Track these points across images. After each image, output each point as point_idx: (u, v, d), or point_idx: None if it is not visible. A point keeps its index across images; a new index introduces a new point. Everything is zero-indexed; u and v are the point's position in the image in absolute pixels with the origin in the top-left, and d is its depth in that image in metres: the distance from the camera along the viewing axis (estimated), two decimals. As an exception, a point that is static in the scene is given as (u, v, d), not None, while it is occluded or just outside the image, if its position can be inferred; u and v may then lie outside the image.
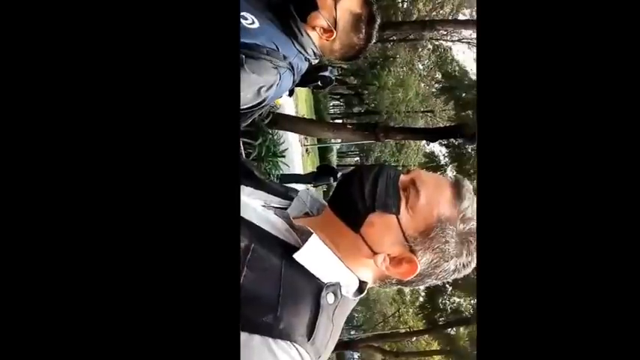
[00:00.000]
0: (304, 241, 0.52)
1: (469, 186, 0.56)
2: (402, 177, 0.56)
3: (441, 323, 13.55)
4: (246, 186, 0.60)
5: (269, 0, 0.93)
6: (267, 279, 0.49)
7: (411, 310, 18.14)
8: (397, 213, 0.53)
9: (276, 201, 0.61)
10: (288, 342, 0.47)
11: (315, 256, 0.52)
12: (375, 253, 0.54)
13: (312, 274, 0.52)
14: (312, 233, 0.52)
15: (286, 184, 0.70)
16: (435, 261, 0.54)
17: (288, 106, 8.26)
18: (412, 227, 0.53)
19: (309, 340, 0.48)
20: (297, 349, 0.47)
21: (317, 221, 0.57)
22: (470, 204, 0.55)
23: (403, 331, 15.99)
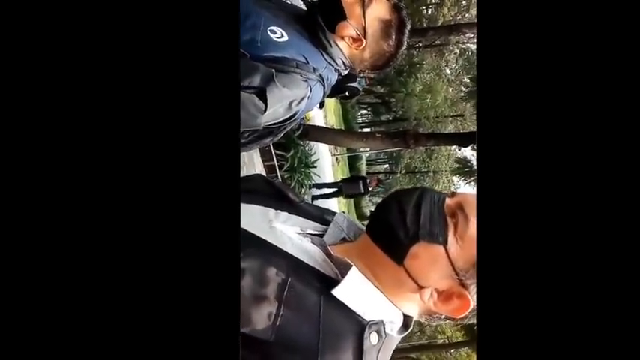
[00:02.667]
0: (343, 274, 0.48)
1: None
2: (448, 201, 0.50)
3: (481, 335, 13.02)
4: (281, 211, 0.56)
5: (298, 12, 0.93)
6: (306, 319, 0.45)
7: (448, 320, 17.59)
8: (445, 243, 0.47)
9: (312, 227, 0.56)
10: None
11: (356, 290, 0.48)
12: (420, 287, 0.49)
13: (353, 311, 0.47)
14: (351, 266, 0.48)
15: (319, 198, 0.68)
16: None
17: (317, 117, 8.32)
18: (462, 259, 0.47)
19: None
20: None
21: (355, 249, 0.52)
22: None
23: (441, 341, 15.50)
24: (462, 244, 0.47)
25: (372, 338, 0.47)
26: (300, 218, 0.57)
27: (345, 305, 0.47)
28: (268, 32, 0.83)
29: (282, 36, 0.84)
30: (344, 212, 0.60)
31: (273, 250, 0.49)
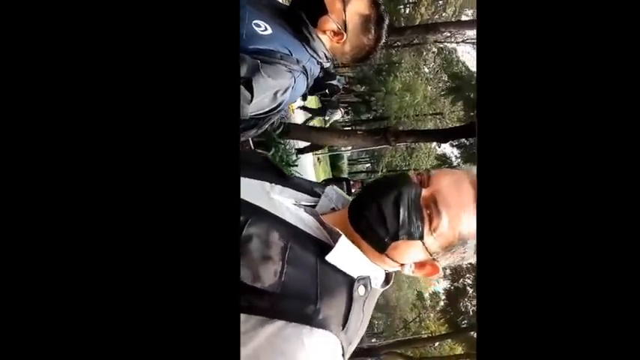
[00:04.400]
0: (335, 240, 0.55)
1: None
2: (424, 192, 0.55)
3: (464, 326, 13.28)
4: (276, 184, 0.62)
5: (280, 7, 0.97)
6: (305, 275, 0.52)
7: (432, 315, 17.84)
8: (421, 238, 0.54)
9: (304, 199, 0.63)
10: (326, 331, 0.51)
11: (345, 256, 0.55)
12: (401, 264, 0.58)
13: (344, 271, 0.55)
14: (340, 235, 0.55)
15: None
16: (456, 261, 0.58)
17: (298, 115, 8.31)
18: (436, 245, 0.55)
19: (343, 329, 0.52)
20: (333, 337, 0.51)
21: (344, 218, 0.58)
22: None
23: (425, 336, 15.70)
24: (436, 235, 0.55)
25: (360, 290, 0.55)
26: (293, 191, 0.63)
27: (336, 267, 0.55)
28: (253, 25, 0.86)
29: (266, 29, 0.87)
30: (331, 184, 0.67)
31: (274, 218, 0.56)
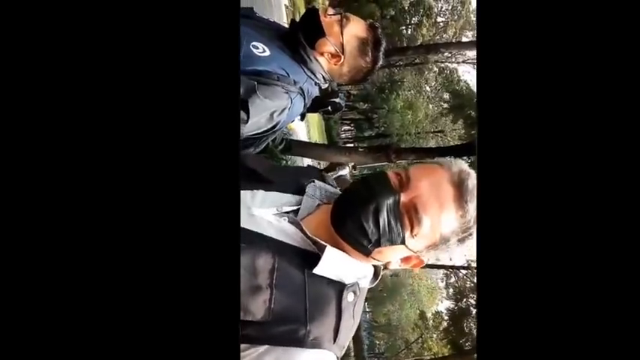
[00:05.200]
0: (321, 249, 0.55)
1: (472, 182, 0.55)
2: (403, 198, 0.54)
3: (467, 348, 13.03)
4: (257, 190, 0.60)
5: (279, 29, 0.98)
6: (294, 295, 0.52)
7: (434, 336, 17.53)
8: (403, 243, 0.55)
9: (288, 202, 0.61)
10: (319, 349, 0.52)
11: (333, 265, 0.55)
12: (387, 262, 0.60)
13: (332, 279, 0.55)
14: (325, 246, 0.55)
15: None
16: (440, 254, 0.59)
17: (301, 132, 8.37)
18: (418, 247, 0.57)
19: (334, 342, 0.54)
20: (326, 353, 0.53)
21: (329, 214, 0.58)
22: (473, 206, 0.55)
23: (428, 357, 15.40)
24: (418, 238, 0.55)
25: (349, 297, 0.56)
26: (277, 194, 0.62)
27: (325, 277, 0.55)
28: (251, 47, 0.87)
29: (264, 51, 0.89)
30: (313, 181, 0.65)
31: (257, 238, 0.55)
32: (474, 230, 0.56)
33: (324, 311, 0.53)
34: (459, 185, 0.55)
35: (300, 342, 0.50)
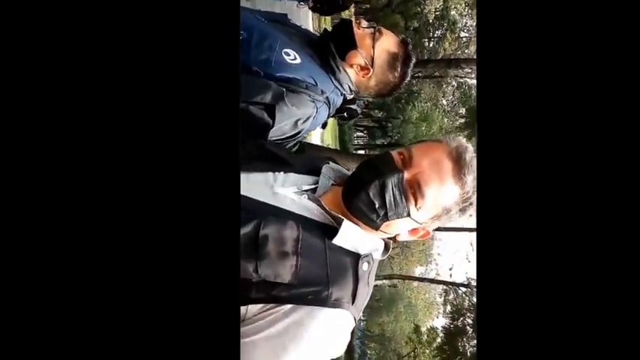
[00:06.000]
0: (339, 223, 0.61)
1: (470, 155, 0.61)
2: (406, 175, 0.60)
3: (459, 368, 12.88)
4: (279, 172, 0.66)
5: (311, 37, 0.99)
6: (316, 262, 0.58)
7: (427, 351, 17.35)
8: (409, 215, 0.61)
9: (306, 182, 0.67)
10: (340, 309, 0.58)
11: (349, 236, 0.61)
12: (395, 235, 0.66)
13: (349, 250, 0.61)
14: (342, 219, 0.61)
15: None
16: (444, 223, 0.65)
17: (314, 135, 8.39)
18: (423, 218, 0.63)
19: (353, 303, 0.59)
20: (345, 313, 0.58)
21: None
22: (472, 177, 0.61)
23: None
24: (422, 211, 0.61)
25: (364, 266, 0.62)
26: (295, 175, 0.68)
27: (342, 247, 0.61)
28: (283, 54, 0.87)
29: (295, 58, 0.89)
30: (328, 162, 0.72)
31: (282, 213, 0.61)
32: (474, 199, 0.62)
33: (344, 276, 0.59)
34: (457, 159, 0.61)
35: (323, 302, 0.56)
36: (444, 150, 0.62)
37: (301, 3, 1.16)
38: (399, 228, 0.64)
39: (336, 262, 0.59)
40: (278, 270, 0.55)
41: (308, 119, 0.92)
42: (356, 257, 0.61)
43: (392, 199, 0.60)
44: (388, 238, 0.67)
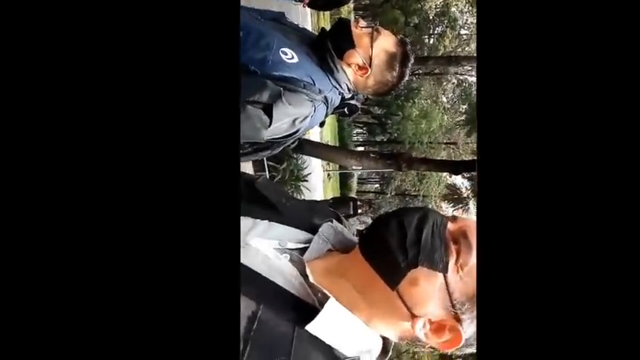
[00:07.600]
0: (321, 302, 0.43)
1: None
2: (450, 226, 0.46)
3: (457, 363, 12.91)
4: (262, 219, 0.51)
5: (309, 36, 0.98)
6: (274, 356, 0.40)
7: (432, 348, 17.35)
8: (445, 271, 0.43)
9: (294, 238, 0.51)
10: None
11: (333, 325, 0.43)
12: (413, 316, 0.44)
13: (329, 345, 0.43)
14: (329, 297, 0.44)
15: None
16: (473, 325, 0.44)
17: (313, 131, 8.39)
18: (460, 290, 0.44)
19: None
20: None
21: (344, 264, 0.48)
22: None
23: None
24: (463, 274, 0.44)
25: None
26: (283, 227, 0.51)
27: (319, 339, 0.43)
28: (280, 53, 0.87)
29: (292, 57, 0.89)
30: (331, 221, 0.53)
31: (244, 273, 0.43)
32: None
33: None
34: None
35: None
36: None
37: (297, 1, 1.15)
38: (424, 297, 0.44)
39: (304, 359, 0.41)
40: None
41: (306, 118, 0.92)
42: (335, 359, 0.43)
43: (429, 237, 0.44)
44: (394, 335, 0.47)
